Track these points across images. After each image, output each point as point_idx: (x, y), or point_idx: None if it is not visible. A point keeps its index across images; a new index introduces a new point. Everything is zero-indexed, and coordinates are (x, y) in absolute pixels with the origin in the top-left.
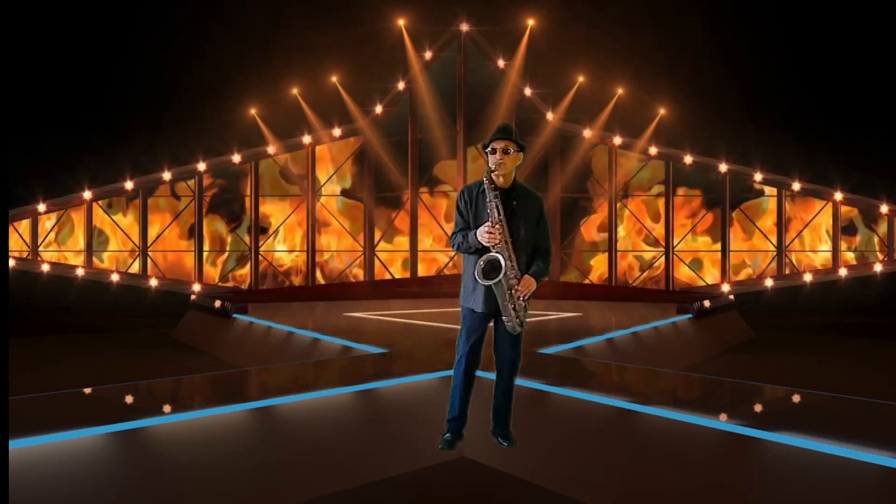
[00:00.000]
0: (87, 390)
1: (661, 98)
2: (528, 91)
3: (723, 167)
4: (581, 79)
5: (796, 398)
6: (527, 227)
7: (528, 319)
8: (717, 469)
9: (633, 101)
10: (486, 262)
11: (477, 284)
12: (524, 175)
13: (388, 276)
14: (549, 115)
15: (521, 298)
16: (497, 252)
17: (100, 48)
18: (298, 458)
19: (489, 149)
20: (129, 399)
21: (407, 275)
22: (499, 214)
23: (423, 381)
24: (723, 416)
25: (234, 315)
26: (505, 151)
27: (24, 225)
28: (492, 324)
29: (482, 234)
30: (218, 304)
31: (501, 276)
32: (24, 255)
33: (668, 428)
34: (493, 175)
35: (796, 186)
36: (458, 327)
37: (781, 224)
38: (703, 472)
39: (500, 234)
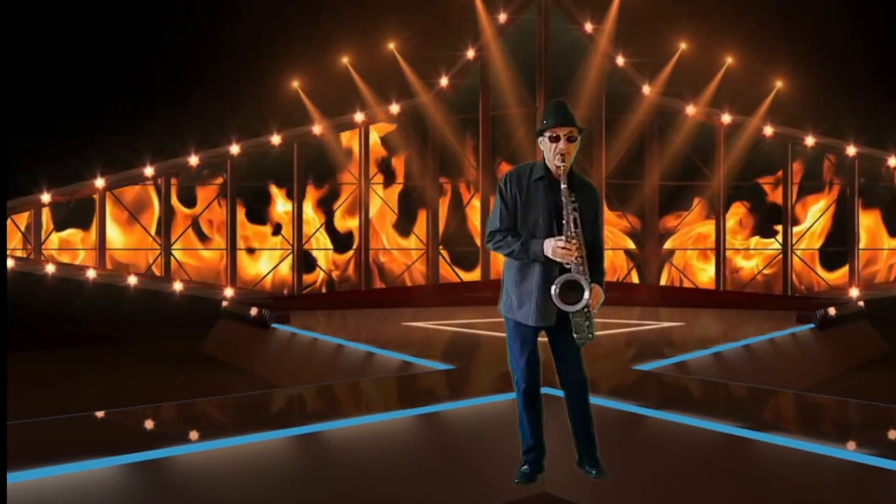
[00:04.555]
0: (101, 414)
1: (779, 68)
2: (620, 60)
3: (851, 150)
4: (683, 46)
5: None
6: (586, 227)
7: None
8: None
9: (745, 72)
10: (565, 283)
11: (527, 295)
12: (616, 159)
13: (454, 279)
14: (646, 89)
15: (594, 312)
16: (573, 268)
17: (115, 9)
18: (348, 494)
19: (548, 135)
20: (150, 424)
21: (477, 277)
22: (575, 227)
23: (497, 402)
24: (851, 445)
25: (274, 325)
26: (570, 139)
27: (24, 218)
28: (543, 338)
29: (555, 249)
30: (254, 311)
31: (584, 302)
32: (26, 253)
33: (787, 458)
34: (554, 165)
35: None
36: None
37: None
38: None
39: (576, 249)
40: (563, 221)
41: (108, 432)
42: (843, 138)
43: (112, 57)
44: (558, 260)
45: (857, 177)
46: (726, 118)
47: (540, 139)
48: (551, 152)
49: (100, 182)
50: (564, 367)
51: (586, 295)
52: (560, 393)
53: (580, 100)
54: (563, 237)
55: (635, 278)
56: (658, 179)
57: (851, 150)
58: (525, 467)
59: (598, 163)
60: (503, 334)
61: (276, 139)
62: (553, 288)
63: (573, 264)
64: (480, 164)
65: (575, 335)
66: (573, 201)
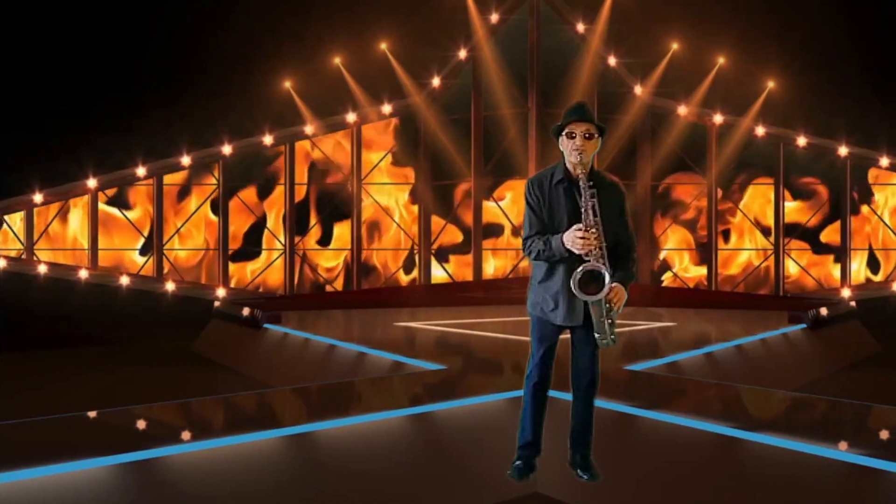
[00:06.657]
0: (93, 414)
1: (771, 69)
2: (612, 60)
3: (843, 150)
4: (675, 46)
5: None
6: (609, 224)
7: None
8: None
9: (737, 73)
10: (586, 273)
11: (553, 295)
12: (609, 159)
13: (446, 279)
14: (638, 89)
15: (616, 311)
16: (592, 260)
17: (108, 11)
18: (341, 494)
19: (566, 133)
20: (142, 424)
21: (469, 277)
22: (594, 216)
23: (489, 402)
24: (843, 445)
25: (266, 325)
26: (587, 136)
27: (17, 218)
28: (565, 335)
29: (573, 240)
30: (246, 312)
31: (605, 292)
32: (18, 253)
33: (779, 458)
34: (572, 165)
35: None
36: (529, 339)
37: None
38: None
39: (595, 239)
40: (582, 211)
41: (101, 432)
42: (835, 138)
43: (104, 57)
44: (577, 251)
45: (850, 176)
46: (718, 118)
47: (559, 140)
48: (568, 150)
49: (91, 182)
50: (579, 363)
51: (607, 283)
52: (561, 395)
53: (572, 100)
54: (581, 226)
55: None
56: (650, 179)
57: (843, 150)
58: (519, 462)
59: None
60: (496, 334)
61: (268, 139)
62: (573, 277)
63: (592, 255)
64: (473, 164)
65: (596, 335)
66: (591, 187)
